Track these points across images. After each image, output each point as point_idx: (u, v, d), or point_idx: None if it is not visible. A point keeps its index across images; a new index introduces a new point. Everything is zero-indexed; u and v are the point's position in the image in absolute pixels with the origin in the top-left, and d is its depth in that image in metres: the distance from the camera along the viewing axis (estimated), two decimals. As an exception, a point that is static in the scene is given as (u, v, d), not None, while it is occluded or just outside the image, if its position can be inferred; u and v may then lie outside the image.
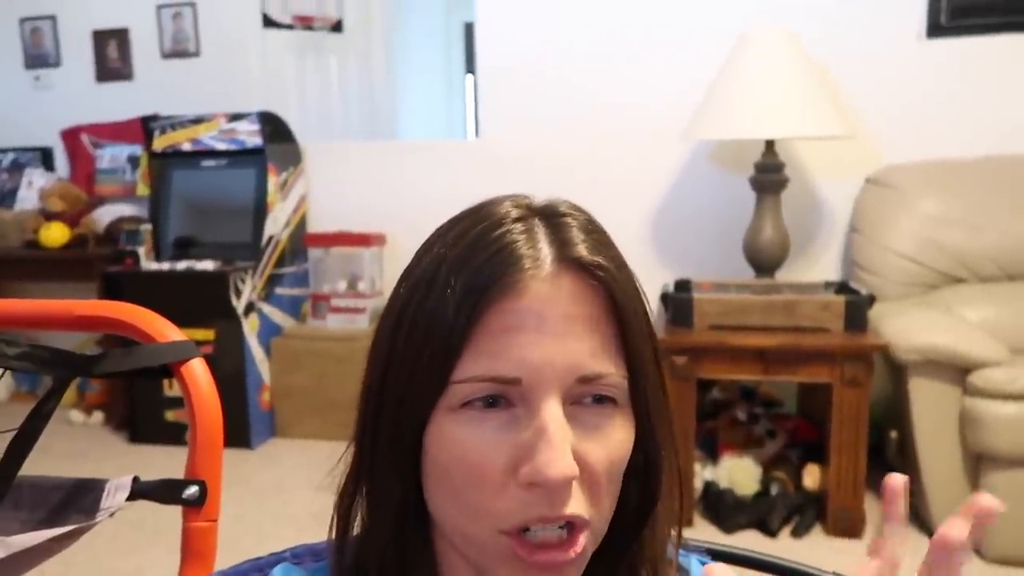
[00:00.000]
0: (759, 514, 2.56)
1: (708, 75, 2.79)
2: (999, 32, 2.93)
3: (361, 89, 4.50)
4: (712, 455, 2.75)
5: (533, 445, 0.49)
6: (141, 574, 2.38)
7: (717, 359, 2.51)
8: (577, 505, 0.50)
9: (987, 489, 2.30)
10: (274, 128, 3.50)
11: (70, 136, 4.07)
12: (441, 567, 0.57)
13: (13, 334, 1.06)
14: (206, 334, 3.26)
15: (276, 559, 0.67)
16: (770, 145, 2.77)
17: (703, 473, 2.69)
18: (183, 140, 3.55)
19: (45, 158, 4.13)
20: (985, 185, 2.81)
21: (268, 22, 3.99)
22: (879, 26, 3.01)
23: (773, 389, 3.02)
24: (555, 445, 0.48)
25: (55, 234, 3.65)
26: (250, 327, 3.37)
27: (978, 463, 2.33)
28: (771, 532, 2.52)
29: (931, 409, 2.37)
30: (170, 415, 3.36)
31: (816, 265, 3.14)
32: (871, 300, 2.52)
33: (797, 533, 2.52)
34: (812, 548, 2.44)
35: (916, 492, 2.49)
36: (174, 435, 3.30)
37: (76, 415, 3.68)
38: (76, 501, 0.95)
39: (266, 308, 3.47)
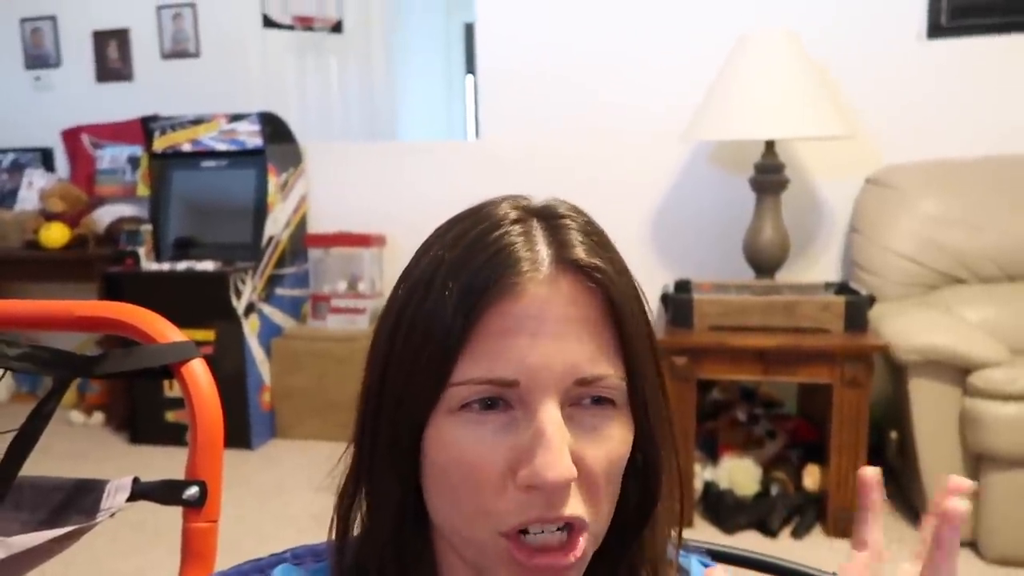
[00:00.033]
0: (759, 515, 2.56)
1: (708, 76, 2.79)
2: (999, 32, 2.93)
3: (361, 90, 4.50)
4: (712, 456, 2.75)
5: (531, 448, 0.49)
6: (141, 575, 2.38)
7: (717, 360, 2.51)
8: (575, 507, 0.50)
9: (987, 490, 2.30)
10: (274, 129, 3.50)
11: (70, 136, 4.07)
12: (440, 568, 0.57)
13: (13, 335, 1.06)
14: (206, 335, 3.26)
15: (277, 560, 0.67)
16: (770, 146, 2.77)
17: (703, 474, 2.69)
18: (183, 141, 3.55)
19: (45, 158, 4.13)
20: (985, 185, 2.81)
21: (268, 22, 3.99)
22: (879, 26, 3.01)
23: (773, 390, 3.02)
24: (553, 448, 0.48)
25: (55, 234, 3.65)
26: (250, 328, 3.37)
27: (978, 463, 2.33)
28: (771, 533, 2.52)
29: (931, 409, 2.37)
30: (170, 416, 3.36)
31: (816, 265, 3.14)
32: (871, 300, 2.52)
33: (797, 534, 2.52)
34: (812, 549, 2.44)
35: (916, 492, 2.49)
36: (174, 436, 3.30)
37: (76, 416, 3.68)
38: (76, 502, 0.95)
39: (266, 309, 3.47)
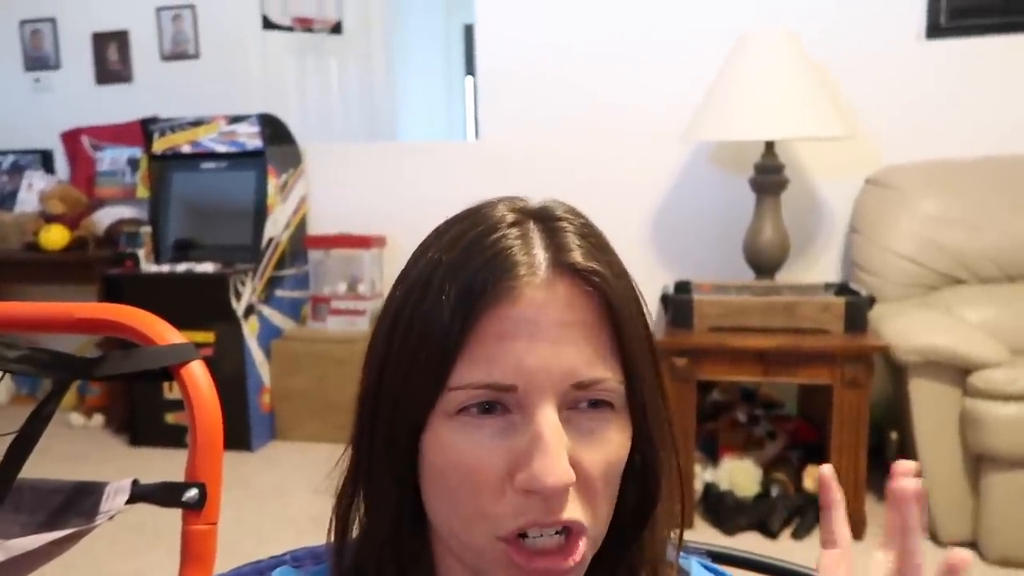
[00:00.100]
0: (760, 516, 2.56)
1: (708, 76, 2.79)
2: (998, 33, 2.93)
3: (361, 91, 4.50)
4: (712, 457, 2.75)
5: (529, 452, 0.49)
6: (141, 577, 2.38)
7: (717, 361, 2.51)
8: (574, 510, 0.50)
9: (987, 490, 2.30)
10: (274, 130, 3.50)
11: (70, 138, 4.07)
12: (439, 570, 0.57)
13: (13, 337, 1.06)
14: (206, 336, 3.26)
15: (276, 562, 0.67)
16: (770, 146, 2.77)
17: (703, 475, 2.69)
18: (183, 142, 3.55)
19: (45, 160, 4.13)
20: (985, 185, 2.81)
21: (268, 24, 3.99)
22: (878, 27, 3.01)
23: (773, 390, 3.02)
24: (551, 452, 0.48)
25: (55, 236, 3.65)
26: (250, 329, 3.37)
27: (978, 464, 2.33)
28: (772, 534, 2.52)
29: (931, 410, 2.37)
30: (170, 418, 3.36)
31: (816, 266, 3.14)
32: (871, 301, 2.52)
33: (798, 535, 2.52)
34: (813, 550, 2.43)
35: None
36: (175, 438, 3.30)
37: (76, 418, 3.67)
38: (76, 504, 0.95)
39: (266, 310, 3.47)
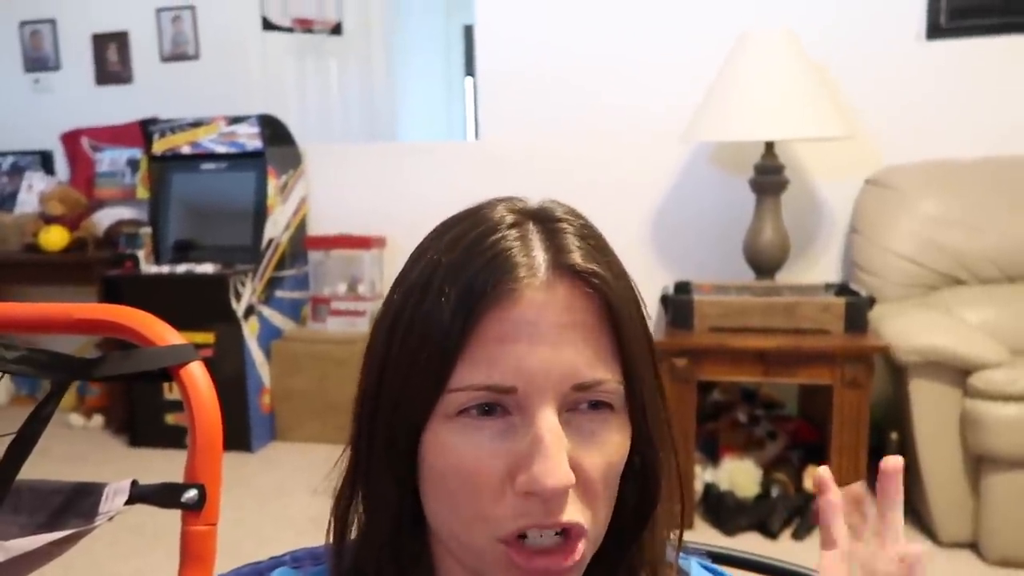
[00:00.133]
0: (760, 516, 2.56)
1: (707, 76, 2.79)
2: (998, 33, 2.93)
3: (361, 92, 4.50)
4: (713, 457, 2.74)
5: (529, 454, 0.49)
6: (141, 578, 2.38)
7: (717, 361, 2.51)
8: (573, 513, 0.50)
9: (988, 491, 2.30)
10: (274, 131, 3.50)
11: (70, 139, 4.07)
12: (438, 571, 0.57)
13: (11, 338, 1.06)
14: (206, 337, 3.26)
15: (276, 563, 0.67)
16: (770, 146, 2.77)
17: (704, 475, 2.69)
18: (183, 143, 3.55)
19: (45, 161, 4.13)
20: (985, 186, 2.81)
21: (267, 25, 3.99)
22: (878, 27, 3.01)
23: (774, 391, 3.02)
24: (551, 455, 0.48)
25: (55, 238, 3.65)
26: (250, 330, 3.37)
27: (979, 465, 2.33)
28: (772, 534, 2.52)
29: (931, 411, 2.37)
30: (170, 418, 3.36)
31: (816, 267, 3.14)
32: (871, 301, 2.51)
33: (798, 535, 2.52)
34: (813, 550, 2.43)
35: (917, 493, 2.49)
36: (175, 439, 3.30)
37: (76, 419, 3.67)
38: (75, 505, 0.95)
39: (266, 311, 3.47)
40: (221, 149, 3.50)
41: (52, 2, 4.07)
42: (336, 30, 4.32)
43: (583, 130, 3.32)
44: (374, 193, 3.61)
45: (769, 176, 2.76)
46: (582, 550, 0.51)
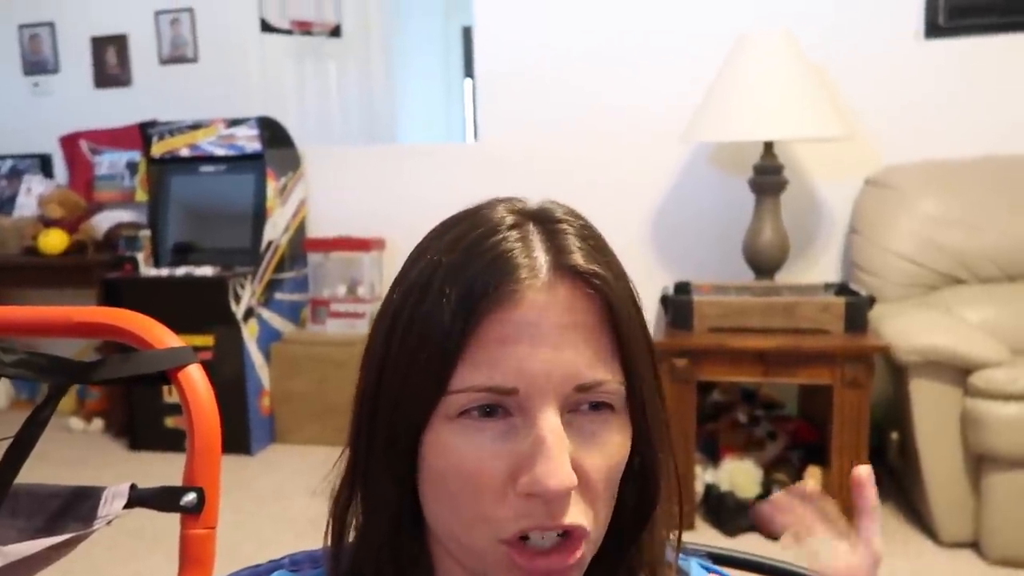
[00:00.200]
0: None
1: (707, 77, 2.79)
2: (997, 32, 2.93)
3: (360, 94, 4.50)
4: (713, 458, 2.74)
5: (531, 456, 0.48)
6: (141, 581, 2.38)
7: (717, 361, 2.51)
8: (575, 514, 0.50)
9: (988, 490, 2.30)
10: (273, 133, 3.50)
11: (69, 142, 4.07)
12: (437, 572, 0.56)
13: (10, 341, 1.06)
14: (205, 340, 3.25)
15: (275, 566, 0.67)
16: (769, 147, 2.77)
17: (704, 476, 2.69)
18: (182, 146, 3.55)
19: (44, 165, 4.13)
20: (985, 185, 2.81)
21: (266, 27, 3.99)
22: (877, 27, 3.01)
23: (774, 391, 3.01)
24: (553, 456, 0.48)
25: (54, 241, 3.64)
26: (249, 332, 3.36)
27: (979, 464, 2.32)
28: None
29: (932, 410, 2.37)
30: (170, 422, 3.36)
31: (816, 267, 3.14)
32: (871, 301, 2.51)
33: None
34: (814, 550, 2.43)
35: (917, 493, 2.48)
36: (174, 442, 3.29)
37: (76, 422, 3.67)
38: (73, 509, 0.95)
39: (265, 313, 3.47)
40: (220, 151, 3.50)
41: (51, 5, 4.07)
42: (335, 32, 4.31)
43: (582, 131, 3.32)
44: (373, 195, 3.61)
45: (768, 176, 2.76)
46: (583, 551, 0.51)
